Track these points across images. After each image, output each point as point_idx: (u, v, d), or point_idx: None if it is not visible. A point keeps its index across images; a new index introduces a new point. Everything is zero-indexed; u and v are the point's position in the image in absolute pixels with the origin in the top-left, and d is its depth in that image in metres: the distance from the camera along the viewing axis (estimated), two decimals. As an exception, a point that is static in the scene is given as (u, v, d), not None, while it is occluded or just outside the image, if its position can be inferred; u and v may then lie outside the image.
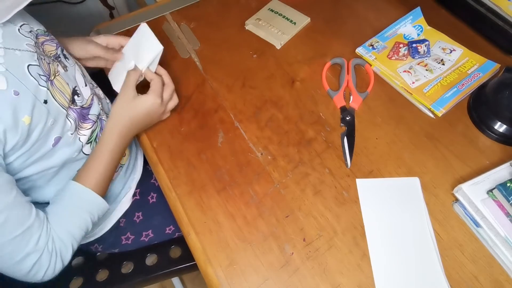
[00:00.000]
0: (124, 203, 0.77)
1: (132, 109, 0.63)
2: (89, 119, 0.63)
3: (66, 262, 0.56)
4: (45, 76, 0.55)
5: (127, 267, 0.80)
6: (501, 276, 0.53)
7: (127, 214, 0.78)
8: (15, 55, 0.52)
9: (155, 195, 0.81)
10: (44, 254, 0.52)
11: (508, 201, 0.52)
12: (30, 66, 0.53)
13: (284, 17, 0.85)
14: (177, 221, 0.62)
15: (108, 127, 0.62)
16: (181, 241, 0.81)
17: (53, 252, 0.53)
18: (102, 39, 0.71)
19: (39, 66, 0.55)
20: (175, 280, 1.19)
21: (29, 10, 0.63)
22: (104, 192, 0.62)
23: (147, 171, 0.82)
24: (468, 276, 0.53)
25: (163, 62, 0.79)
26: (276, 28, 0.82)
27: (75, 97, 0.61)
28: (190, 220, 0.60)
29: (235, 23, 0.85)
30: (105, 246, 0.78)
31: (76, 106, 0.61)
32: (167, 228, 0.81)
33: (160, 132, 0.69)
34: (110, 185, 0.65)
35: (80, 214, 0.58)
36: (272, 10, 0.86)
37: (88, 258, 0.81)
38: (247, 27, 0.84)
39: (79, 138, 0.61)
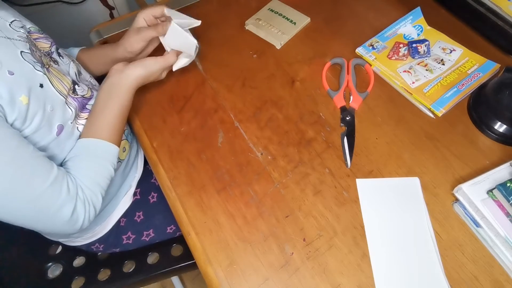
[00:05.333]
0: (125, 202, 0.77)
1: (147, 76, 0.66)
2: (87, 109, 0.64)
3: (98, 209, 0.58)
4: (39, 63, 0.56)
5: (129, 266, 0.80)
6: (501, 276, 0.53)
7: (128, 214, 0.78)
8: (7, 41, 0.53)
9: (155, 194, 0.81)
10: (78, 203, 0.54)
11: (508, 201, 0.52)
12: (23, 53, 0.54)
13: (284, 17, 0.85)
14: (177, 221, 0.62)
15: (126, 84, 0.63)
16: (182, 240, 0.81)
17: (85, 201, 0.55)
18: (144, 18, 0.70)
19: (31, 54, 0.55)
20: (175, 280, 1.19)
21: (30, 10, 0.63)
22: (119, 144, 0.64)
23: (147, 171, 0.82)
24: (468, 276, 0.53)
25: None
26: (276, 28, 0.82)
27: (76, 86, 0.63)
28: (190, 220, 0.60)
29: (235, 23, 0.85)
30: (106, 245, 0.78)
31: (77, 95, 0.62)
32: (168, 228, 0.81)
33: (160, 132, 0.69)
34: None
35: (102, 164, 0.60)
36: (272, 10, 0.86)
37: (90, 258, 0.81)
38: (247, 27, 0.84)
39: (77, 127, 0.61)
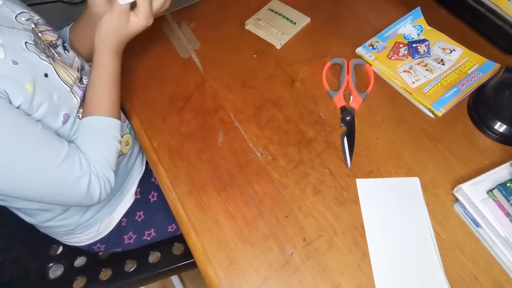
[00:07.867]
0: (127, 200, 0.77)
1: (108, 29, 0.60)
2: None
3: (113, 183, 0.60)
4: (43, 54, 0.56)
5: (130, 266, 0.80)
6: (501, 276, 0.53)
7: (129, 214, 0.78)
8: (11, 32, 0.54)
9: (155, 193, 0.81)
10: (93, 177, 0.56)
11: (508, 201, 0.52)
12: (27, 43, 0.55)
13: (284, 17, 0.85)
14: (177, 221, 0.62)
15: (98, 50, 0.60)
16: (183, 238, 0.81)
17: (99, 175, 0.57)
18: None
19: (35, 46, 0.56)
20: (175, 280, 1.19)
21: (29, 10, 0.63)
22: (114, 115, 0.62)
23: (147, 170, 0.82)
24: (468, 276, 0.53)
25: (163, 62, 0.80)
26: (276, 28, 0.82)
27: (84, 77, 0.63)
28: (190, 220, 0.60)
29: (235, 23, 0.85)
30: (108, 245, 0.79)
31: (83, 84, 0.63)
32: (169, 227, 0.81)
33: (160, 132, 0.69)
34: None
35: (106, 139, 0.60)
36: (272, 10, 0.86)
37: (90, 258, 0.82)
38: (247, 27, 0.84)
39: (79, 116, 0.61)
